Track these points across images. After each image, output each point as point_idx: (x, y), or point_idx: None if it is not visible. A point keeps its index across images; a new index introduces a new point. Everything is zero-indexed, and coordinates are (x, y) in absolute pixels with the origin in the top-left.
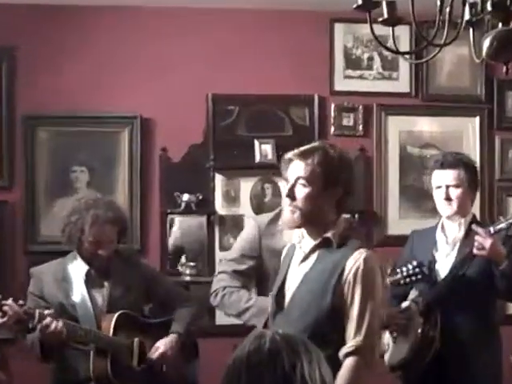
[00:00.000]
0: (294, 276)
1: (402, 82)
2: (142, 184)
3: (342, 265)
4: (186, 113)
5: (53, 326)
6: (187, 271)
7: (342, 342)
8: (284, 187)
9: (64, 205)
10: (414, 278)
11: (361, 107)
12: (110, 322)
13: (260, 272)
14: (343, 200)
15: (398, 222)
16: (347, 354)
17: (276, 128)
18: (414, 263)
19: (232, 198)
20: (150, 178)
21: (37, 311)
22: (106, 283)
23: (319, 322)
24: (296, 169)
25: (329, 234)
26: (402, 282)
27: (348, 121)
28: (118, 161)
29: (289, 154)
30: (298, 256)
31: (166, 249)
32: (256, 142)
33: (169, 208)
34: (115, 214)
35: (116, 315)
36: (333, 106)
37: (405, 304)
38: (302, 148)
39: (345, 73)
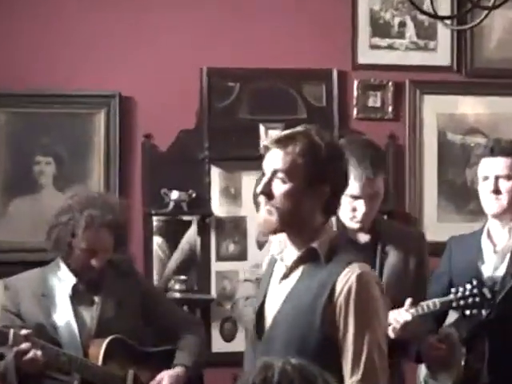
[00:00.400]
0: (275, 296)
1: (440, 54)
2: (121, 178)
3: (330, 284)
4: (176, 91)
5: (31, 353)
6: (176, 286)
7: (341, 381)
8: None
9: (25, 205)
10: (470, 301)
11: (390, 84)
12: (100, 349)
13: None
14: (332, 200)
15: (437, 225)
16: None
17: (286, 110)
18: (474, 282)
19: (232, 196)
20: (130, 171)
21: (11, 331)
22: (96, 300)
23: (306, 353)
24: (273, 159)
25: (315, 245)
26: (454, 304)
27: (374, 101)
28: (91, 150)
29: (265, 141)
30: (279, 271)
31: (151, 258)
32: (261, 127)
33: (154, 208)
34: (114, 217)
35: (107, 340)
36: (356, 82)
37: (444, 330)
38: (281, 133)
39: (371, 42)
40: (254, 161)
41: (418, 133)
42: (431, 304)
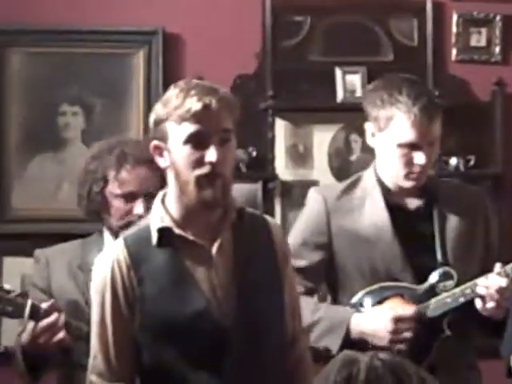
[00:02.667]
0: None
1: None
2: None
3: (270, 242)
4: (232, 27)
5: (50, 319)
6: None
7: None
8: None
9: (46, 165)
10: None
11: (498, 18)
12: None
13: (331, 267)
14: None
15: None
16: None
17: (368, 50)
18: None
19: (301, 156)
20: None
21: (29, 301)
22: None
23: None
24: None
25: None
26: None
27: (478, 39)
28: (129, 98)
29: (205, 99)
30: (192, 254)
31: None
32: (338, 72)
33: None
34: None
35: None
36: (455, 16)
37: None
38: (212, 86)
39: None
40: (329, 112)
41: None
42: None
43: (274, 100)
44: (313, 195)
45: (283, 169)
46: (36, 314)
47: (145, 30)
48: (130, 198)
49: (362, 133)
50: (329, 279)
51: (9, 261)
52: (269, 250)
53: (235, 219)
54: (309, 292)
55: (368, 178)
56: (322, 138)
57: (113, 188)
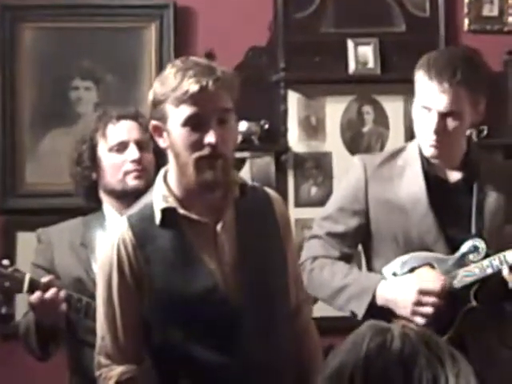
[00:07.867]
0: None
1: None
2: None
3: (272, 215)
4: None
5: (50, 292)
6: None
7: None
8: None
9: (60, 140)
10: None
11: None
12: None
13: (366, 233)
14: None
15: None
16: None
17: (380, 21)
18: None
19: (313, 128)
20: None
21: (27, 276)
22: None
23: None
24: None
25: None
26: None
27: (490, 9)
28: (141, 71)
29: (202, 81)
30: (197, 232)
31: None
32: (350, 43)
33: None
34: (140, 112)
35: None
36: None
37: None
38: (210, 65)
39: None
40: (341, 84)
41: None
42: None
43: (286, 72)
44: (355, 162)
45: (296, 141)
46: (35, 289)
47: (156, 3)
48: (121, 148)
49: (374, 104)
50: (364, 245)
51: (22, 235)
52: (271, 223)
53: (237, 195)
54: (344, 257)
55: (411, 149)
56: (335, 109)
57: (102, 145)
